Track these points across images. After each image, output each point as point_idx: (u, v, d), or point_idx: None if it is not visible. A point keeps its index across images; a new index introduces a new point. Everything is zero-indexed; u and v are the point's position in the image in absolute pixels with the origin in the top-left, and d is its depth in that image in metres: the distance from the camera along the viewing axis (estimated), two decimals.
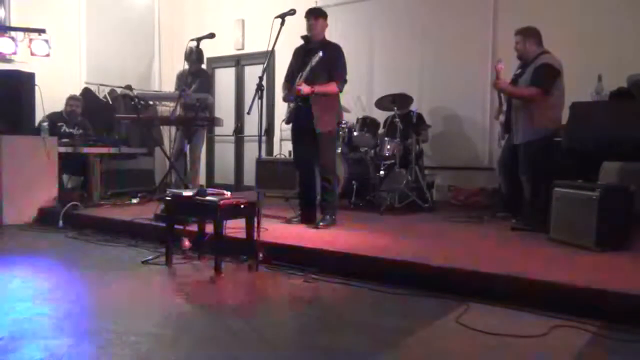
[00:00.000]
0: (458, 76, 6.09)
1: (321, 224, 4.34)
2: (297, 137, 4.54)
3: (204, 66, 6.25)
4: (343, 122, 5.40)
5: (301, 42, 4.54)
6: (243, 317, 2.67)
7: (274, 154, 7.59)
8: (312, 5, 7.14)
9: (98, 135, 6.38)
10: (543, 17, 5.47)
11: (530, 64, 4.31)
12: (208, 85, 5.91)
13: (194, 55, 5.60)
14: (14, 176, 5.19)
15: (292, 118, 4.47)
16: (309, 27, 4.36)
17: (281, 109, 7.68)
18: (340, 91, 4.43)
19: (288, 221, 4.55)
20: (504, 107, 4.60)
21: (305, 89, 4.19)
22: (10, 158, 5.18)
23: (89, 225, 4.88)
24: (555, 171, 4.11)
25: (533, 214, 4.21)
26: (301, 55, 4.44)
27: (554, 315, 2.55)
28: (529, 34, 4.39)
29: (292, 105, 4.42)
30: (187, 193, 3.60)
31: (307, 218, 4.51)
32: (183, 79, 5.61)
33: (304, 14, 4.35)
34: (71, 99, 6.36)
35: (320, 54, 4.09)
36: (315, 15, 4.36)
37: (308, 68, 4.16)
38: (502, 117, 4.64)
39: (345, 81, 4.41)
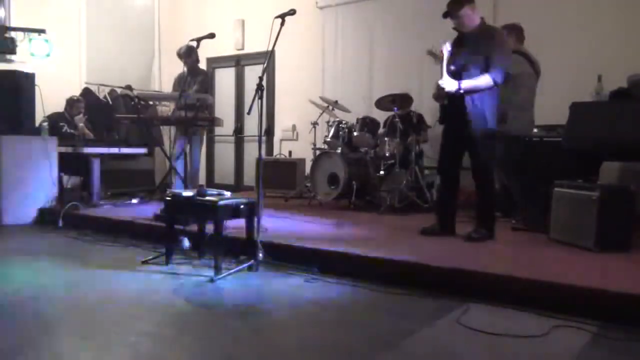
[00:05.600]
0: None
1: (473, 235, 3.81)
2: (446, 138, 4.02)
3: (201, 65, 6.24)
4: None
5: None
6: (243, 317, 2.67)
7: (274, 154, 7.60)
8: (313, 5, 7.20)
9: (98, 135, 6.38)
10: (543, 18, 5.48)
11: None
12: (207, 82, 5.90)
13: (186, 54, 5.59)
14: (14, 176, 5.19)
15: (443, 117, 3.98)
16: (457, 28, 3.85)
17: (282, 109, 7.72)
18: (497, 84, 3.72)
19: (424, 231, 4.07)
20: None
21: (448, 86, 3.70)
22: (10, 158, 5.18)
23: (89, 225, 4.88)
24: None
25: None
26: (455, 46, 3.89)
27: (554, 315, 2.55)
28: (510, 29, 4.45)
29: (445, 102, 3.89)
30: (187, 193, 3.59)
31: (446, 229, 4.04)
32: (182, 80, 5.60)
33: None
34: (75, 101, 6.35)
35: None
36: (454, 13, 3.74)
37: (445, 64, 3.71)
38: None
39: (501, 70, 3.70)
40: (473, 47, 3.77)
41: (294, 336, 2.45)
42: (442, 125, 4.13)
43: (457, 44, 3.92)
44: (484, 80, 3.68)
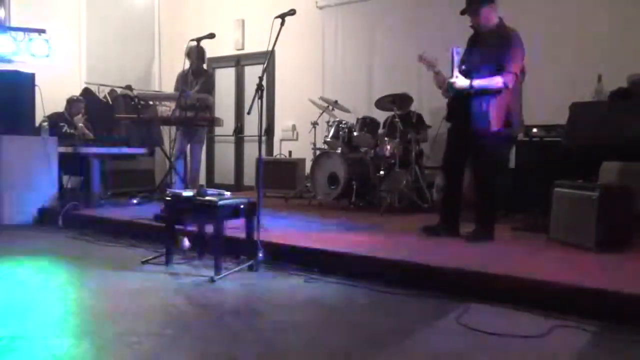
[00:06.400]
0: None
1: (473, 235, 3.83)
2: (451, 137, 4.02)
3: (205, 65, 6.25)
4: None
5: None
6: (243, 317, 2.67)
7: (274, 154, 7.60)
8: (313, 5, 7.20)
9: (98, 135, 6.38)
10: (543, 18, 5.48)
11: None
12: (211, 84, 5.90)
13: (195, 54, 5.59)
14: (14, 176, 5.19)
15: (450, 114, 3.97)
16: (473, 25, 3.84)
17: (282, 109, 7.73)
18: (507, 86, 3.64)
19: (425, 229, 4.06)
20: None
21: (459, 82, 3.68)
22: (10, 158, 5.18)
23: (89, 225, 4.87)
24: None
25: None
26: (470, 44, 3.90)
27: (554, 315, 2.54)
28: None
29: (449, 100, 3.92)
30: (187, 193, 3.59)
31: (450, 229, 3.99)
32: (184, 79, 5.61)
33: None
34: (75, 101, 6.36)
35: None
36: (473, 11, 3.74)
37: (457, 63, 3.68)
38: None
39: (512, 74, 3.65)
40: (487, 47, 3.74)
41: (293, 336, 2.44)
42: (447, 124, 4.12)
43: (471, 43, 3.90)
44: (495, 81, 3.64)
